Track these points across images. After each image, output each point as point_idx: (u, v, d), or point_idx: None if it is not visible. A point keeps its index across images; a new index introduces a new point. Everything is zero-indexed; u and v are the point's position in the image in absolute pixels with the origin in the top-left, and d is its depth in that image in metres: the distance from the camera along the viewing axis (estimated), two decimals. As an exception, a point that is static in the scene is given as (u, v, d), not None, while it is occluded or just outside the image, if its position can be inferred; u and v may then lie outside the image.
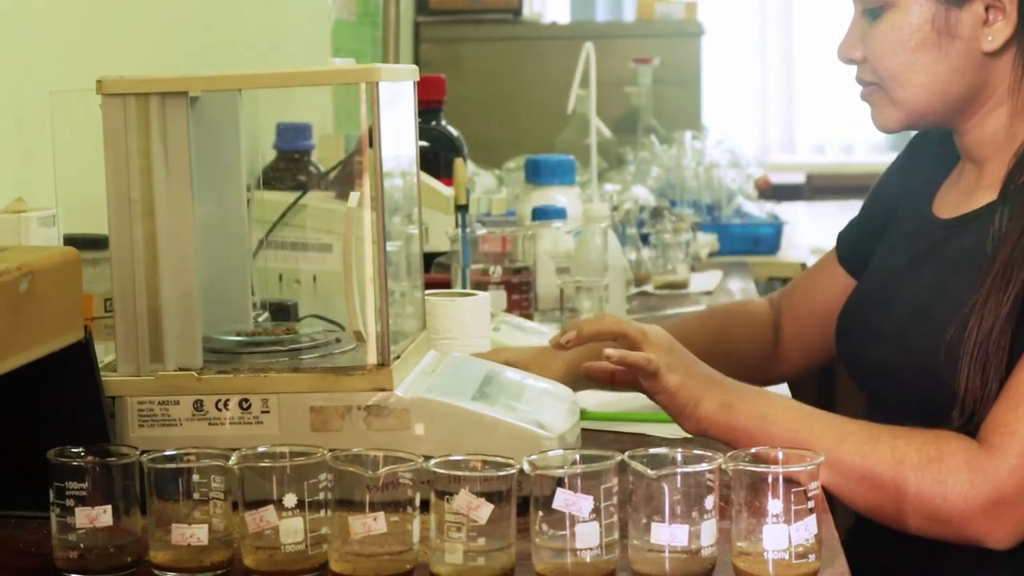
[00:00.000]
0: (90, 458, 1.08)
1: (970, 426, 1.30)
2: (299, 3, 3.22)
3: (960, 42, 1.40)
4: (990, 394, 1.30)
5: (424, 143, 2.16)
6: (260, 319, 1.46)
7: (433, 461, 1.06)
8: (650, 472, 1.05)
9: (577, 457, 1.08)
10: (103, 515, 1.07)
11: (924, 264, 1.46)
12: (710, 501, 1.05)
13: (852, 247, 1.66)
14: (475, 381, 1.31)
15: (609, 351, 1.32)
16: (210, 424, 1.24)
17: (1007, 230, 1.35)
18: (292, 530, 1.06)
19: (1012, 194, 1.39)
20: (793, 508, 1.05)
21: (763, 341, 1.72)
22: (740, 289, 2.61)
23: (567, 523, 1.04)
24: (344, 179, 1.77)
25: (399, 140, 1.35)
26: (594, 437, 1.42)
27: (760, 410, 1.30)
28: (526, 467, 1.07)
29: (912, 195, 1.56)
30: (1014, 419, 1.26)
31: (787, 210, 3.73)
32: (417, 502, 1.07)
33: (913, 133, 1.64)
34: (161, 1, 2.33)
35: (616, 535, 1.06)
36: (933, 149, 1.57)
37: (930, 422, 1.31)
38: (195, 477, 1.08)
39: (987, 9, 1.39)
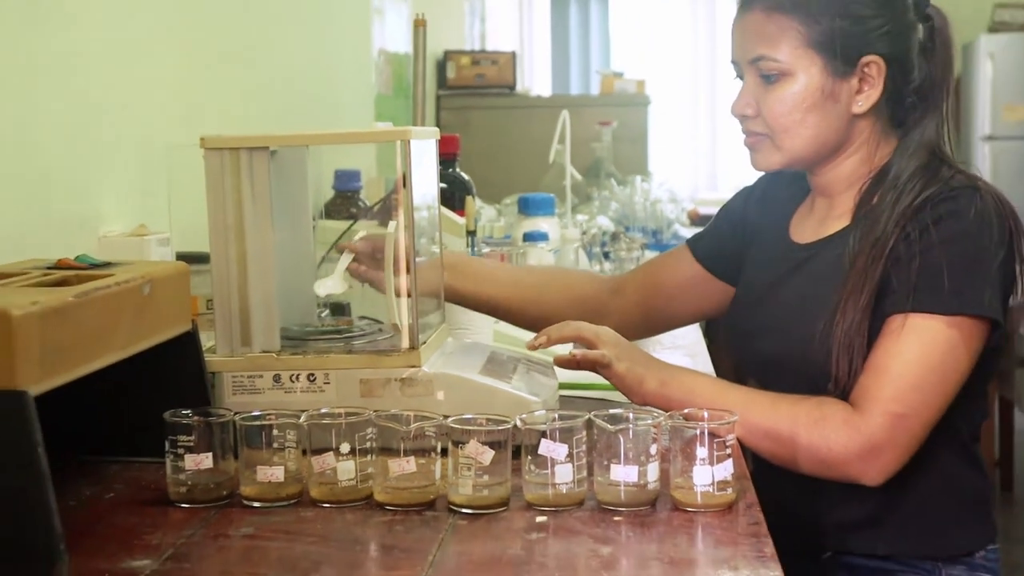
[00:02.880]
0: (196, 418, 1.08)
1: (842, 395, 1.30)
2: (350, 81, 3.23)
3: (839, 105, 1.39)
4: (856, 370, 1.30)
5: (443, 185, 2.16)
6: (323, 315, 1.46)
7: (450, 419, 1.07)
8: (609, 427, 1.05)
9: (556, 416, 1.08)
10: (205, 460, 1.07)
11: (793, 276, 1.44)
12: (654, 448, 1.06)
13: (709, 250, 1.61)
14: (481, 360, 1.31)
15: (574, 351, 1.31)
16: (285, 392, 1.24)
17: (859, 247, 1.34)
18: (346, 470, 1.07)
19: (861, 220, 1.38)
20: (715, 454, 1.05)
21: (592, 295, 1.64)
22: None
23: (549, 464, 1.05)
24: (385, 211, 1.77)
25: (425, 182, 1.35)
26: (569, 402, 1.42)
27: (688, 386, 1.29)
28: (519, 423, 1.07)
29: (769, 224, 1.54)
30: (876, 387, 1.26)
31: (712, 234, 3.73)
32: (439, 449, 1.07)
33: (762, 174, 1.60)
34: (246, 78, 2.34)
35: (585, 473, 1.06)
36: (783, 189, 1.55)
37: (809, 393, 1.30)
38: (274, 431, 1.08)
39: (860, 81, 1.39)
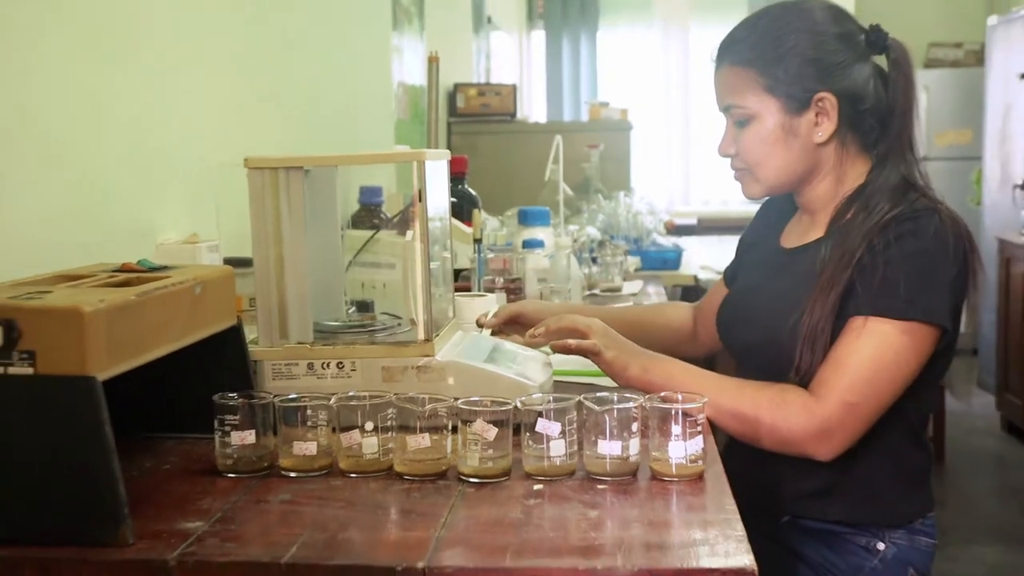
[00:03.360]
0: (241, 400, 1.09)
1: (802, 382, 1.30)
2: (373, 109, 3.23)
3: (800, 138, 1.39)
4: (816, 363, 1.30)
5: (454, 199, 2.16)
6: (350, 311, 1.47)
7: (459, 400, 1.07)
8: (597, 407, 1.06)
9: (551, 398, 1.08)
10: (249, 436, 1.08)
11: (776, 277, 1.45)
12: (635, 426, 1.06)
13: (731, 275, 1.65)
14: (486, 351, 1.31)
15: (568, 341, 1.31)
16: (318, 378, 1.24)
17: (829, 256, 1.35)
18: (370, 445, 1.07)
19: (832, 233, 1.39)
20: (688, 431, 1.05)
21: (684, 323, 1.72)
22: (654, 292, 2.60)
23: (544, 440, 1.05)
24: (403, 222, 1.77)
25: (438, 197, 1.36)
26: (562, 386, 1.43)
27: (667, 372, 1.30)
28: (518, 404, 1.08)
29: (765, 234, 1.56)
30: (833, 378, 1.27)
31: (685, 241, 3.73)
32: (450, 427, 1.07)
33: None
34: (284, 107, 2.34)
35: (576, 448, 1.07)
36: (779, 205, 1.57)
37: (777, 379, 1.31)
38: (308, 411, 1.09)
39: (816, 115, 1.39)
